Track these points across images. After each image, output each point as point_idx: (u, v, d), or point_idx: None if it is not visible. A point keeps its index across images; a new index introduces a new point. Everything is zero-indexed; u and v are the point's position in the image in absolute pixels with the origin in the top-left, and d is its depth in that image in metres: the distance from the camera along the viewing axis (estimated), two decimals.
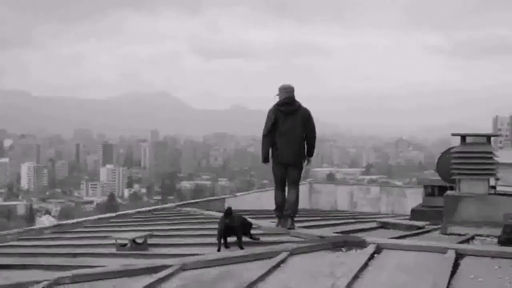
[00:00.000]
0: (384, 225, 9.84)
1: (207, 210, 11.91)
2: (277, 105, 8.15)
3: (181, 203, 13.25)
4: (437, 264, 5.53)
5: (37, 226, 9.53)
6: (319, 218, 11.96)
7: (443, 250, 5.91)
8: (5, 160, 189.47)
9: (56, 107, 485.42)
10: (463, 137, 9.53)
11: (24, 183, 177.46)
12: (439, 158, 10.31)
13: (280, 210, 8.27)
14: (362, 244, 6.22)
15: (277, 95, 8.22)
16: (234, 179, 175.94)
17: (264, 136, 8.16)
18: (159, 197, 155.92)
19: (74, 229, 9.72)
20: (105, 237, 8.05)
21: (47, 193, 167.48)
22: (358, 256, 5.79)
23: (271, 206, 13.36)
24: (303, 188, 18.77)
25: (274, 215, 8.54)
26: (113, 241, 7.09)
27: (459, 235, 8.71)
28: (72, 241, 8.38)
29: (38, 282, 5.10)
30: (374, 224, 9.97)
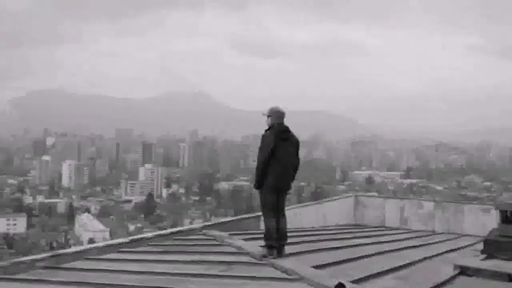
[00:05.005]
0: (463, 270, 7.64)
1: (238, 233, 10.11)
2: (276, 131, 7.96)
3: (209, 223, 11.31)
4: None
5: (28, 257, 7.59)
6: (372, 248, 9.93)
7: None
8: (47, 158, 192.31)
9: (96, 106, 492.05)
10: None
11: (65, 181, 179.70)
12: None
13: (273, 239, 7.90)
14: None
15: (268, 116, 8.05)
16: None
17: (263, 162, 7.90)
18: (197, 198, 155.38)
19: (71, 264, 7.80)
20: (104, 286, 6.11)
21: (87, 191, 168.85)
22: None
23: (309, 223, 11.27)
24: (348, 201, 16.71)
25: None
26: None
27: None
28: None
29: None
30: (450, 269, 7.79)
